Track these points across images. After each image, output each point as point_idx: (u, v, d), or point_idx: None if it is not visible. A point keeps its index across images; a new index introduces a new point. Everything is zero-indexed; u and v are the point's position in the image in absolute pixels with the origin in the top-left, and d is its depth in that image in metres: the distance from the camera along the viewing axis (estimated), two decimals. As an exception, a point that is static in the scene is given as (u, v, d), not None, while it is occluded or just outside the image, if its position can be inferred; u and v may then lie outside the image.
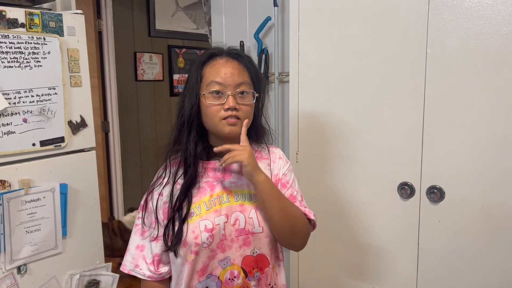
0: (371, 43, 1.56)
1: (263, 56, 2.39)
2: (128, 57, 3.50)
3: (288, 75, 1.89)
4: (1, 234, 1.52)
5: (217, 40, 2.63)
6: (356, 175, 1.65)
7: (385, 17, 1.52)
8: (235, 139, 1.11)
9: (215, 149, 1.09)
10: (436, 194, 1.48)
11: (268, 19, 2.33)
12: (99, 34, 3.33)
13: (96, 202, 1.87)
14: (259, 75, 1.17)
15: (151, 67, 3.61)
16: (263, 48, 2.39)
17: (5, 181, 1.54)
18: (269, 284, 1.13)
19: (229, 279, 1.08)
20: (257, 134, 1.20)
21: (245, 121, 1.09)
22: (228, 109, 1.07)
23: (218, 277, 1.08)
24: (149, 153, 3.64)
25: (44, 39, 1.62)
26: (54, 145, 1.68)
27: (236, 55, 1.13)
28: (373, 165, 1.61)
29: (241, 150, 1.05)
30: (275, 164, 1.19)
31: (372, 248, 1.65)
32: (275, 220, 1.08)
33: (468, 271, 1.47)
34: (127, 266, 1.15)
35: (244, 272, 1.09)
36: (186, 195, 1.10)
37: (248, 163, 1.04)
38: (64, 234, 1.73)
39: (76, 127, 1.76)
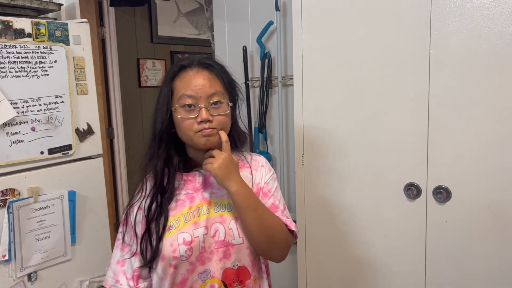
0: (374, 45, 1.57)
1: (266, 60, 2.41)
2: (131, 64, 3.52)
3: (291, 78, 1.90)
4: (12, 242, 1.54)
5: (220, 45, 2.65)
6: (363, 177, 1.66)
7: (388, 19, 1.53)
8: (214, 147, 1.10)
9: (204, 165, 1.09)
10: (442, 194, 1.48)
11: (270, 23, 2.35)
12: (102, 42, 3.35)
13: (104, 209, 1.89)
14: (232, 82, 1.15)
15: (154, 73, 3.63)
16: (266, 52, 2.41)
17: (14, 189, 1.55)
18: None
19: None
20: (236, 141, 1.18)
21: (221, 132, 1.07)
22: (201, 122, 1.05)
23: None
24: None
25: (51, 48, 1.64)
26: (62, 153, 1.69)
27: (207, 64, 1.10)
28: (379, 166, 1.62)
29: (213, 159, 1.05)
30: (257, 172, 1.16)
31: (380, 250, 1.66)
32: (252, 230, 1.06)
33: (476, 270, 1.47)
34: (108, 281, 1.13)
35: (225, 285, 1.07)
36: (161, 209, 1.08)
37: (216, 174, 1.03)
38: (73, 241, 1.75)
39: (83, 134, 1.78)
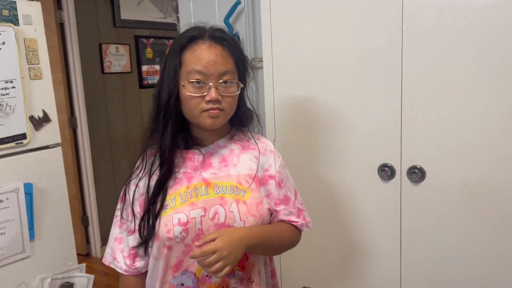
0: (346, 23, 1.51)
1: (234, 42, 2.33)
2: (93, 49, 3.35)
3: (261, 60, 1.83)
4: (-39, 240, 1.42)
5: (186, 27, 2.54)
6: (336, 159, 1.61)
7: (359, -5, 1.47)
8: (218, 129, 1.06)
9: (191, 255, 0.95)
10: (417, 174, 1.45)
11: (237, 3, 2.25)
12: (61, 26, 3.17)
13: (65, 201, 1.78)
14: (245, 60, 1.07)
15: (118, 59, 3.48)
16: (234, 33, 2.32)
17: (-38, 183, 1.43)
18: (249, 279, 1.07)
19: (207, 276, 1.01)
20: (242, 121, 1.13)
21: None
22: (209, 101, 0.99)
23: (194, 273, 1.02)
24: (120, 148, 3.51)
25: (-2, 28, 1.50)
26: (15, 142, 1.57)
27: (220, 38, 1.02)
28: (352, 148, 1.57)
29: (220, 258, 0.92)
30: (265, 157, 1.10)
31: (355, 232, 1.63)
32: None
33: (451, 250, 1.45)
34: (107, 258, 1.11)
35: None
36: (161, 187, 1.03)
37: (234, 259, 0.93)
38: (32, 236, 1.63)
39: (39, 122, 1.65)
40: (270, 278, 1.15)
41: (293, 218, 1.11)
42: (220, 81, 0.99)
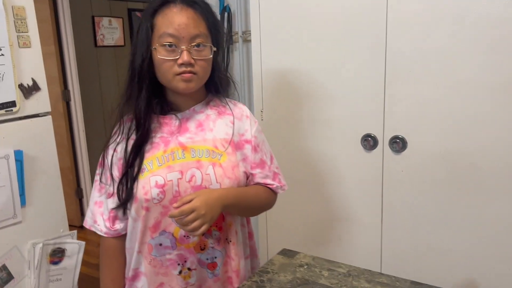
0: (332, -7, 1.52)
1: (226, 14, 2.32)
2: (86, 22, 3.34)
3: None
4: (-47, 204, 1.45)
5: (177, -1, 2.53)
6: (321, 130, 1.64)
7: (346, -35, 1.48)
8: (192, 94, 1.07)
9: (170, 214, 0.98)
10: (398, 144, 1.49)
11: (228, -25, 2.24)
12: (53, -2, 3.15)
13: (56, 170, 1.80)
14: (217, 24, 1.08)
15: (111, 32, 3.46)
16: (225, 5, 2.31)
17: (-48, 148, 1.45)
18: (226, 239, 1.10)
19: (184, 236, 1.05)
20: (217, 87, 1.13)
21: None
22: (182, 64, 1.00)
23: (172, 233, 1.05)
24: (113, 121, 3.53)
25: (-15, -5, 1.50)
26: (5, 110, 1.59)
27: (192, 2, 1.02)
28: (337, 119, 1.60)
29: (198, 217, 0.94)
30: (241, 122, 1.12)
31: (338, 200, 1.67)
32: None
33: (431, 217, 1.50)
34: (88, 221, 1.14)
35: None
36: (138, 151, 1.06)
37: (211, 217, 0.97)
38: (23, 202, 1.66)
39: (28, 90, 1.67)
40: (248, 239, 1.19)
41: (268, 181, 1.14)
42: (193, 44, 1.00)
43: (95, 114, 3.45)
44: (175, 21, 0.99)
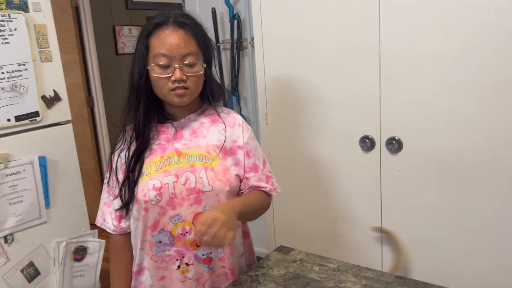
0: (327, 5, 1.59)
1: (235, 21, 2.42)
2: (107, 32, 3.50)
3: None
4: (-15, 206, 1.61)
5: (190, 8, 2.64)
6: (321, 132, 1.72)
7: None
8: (186, 106, 1.17)
9: (195, 234, 1.03)
10: (394, 145, 1.55)
11: (237, -16, 2.34)
12: (76, 10, 3.33)
13: (77, 173, 1.94)
14: (207, 42, 1.17)
15: (131, 40, 3.62)
16: (234, 13, 2.41)
17: (-17, 156, 1.60)
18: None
19: (181, 234, 1.15)
20: (212, 96, 1.23)
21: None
22: (175, 81, 1.09)
23: (170, 232, 1.15)
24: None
25: (9, 16, 1.64)
26: (29, 119, 1.73)
27: (183, 23, 1.11)
28: (336, 121, 1.67)
29: (221, 225, 0.98)
30: (234, 130, 1.21)
31: (340, 200, 1.74)
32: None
33: (428, 215, 1.55)
34: (98, 220, 1.26)
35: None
36: (138, 158, 1.16)
37: (232, 224, 1.01)
38: (47, 204, 1.81)
39: (50, 101, 1.81)
40: (243, 238, 1.28)
41: (262, 184, 1.22)
42: (185, 62, 1.09)
43: (117, 120, 3.60)
44: (168, 42, 1.09)
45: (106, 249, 2.08)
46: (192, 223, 1.15)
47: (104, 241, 2.00)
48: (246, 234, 1.30)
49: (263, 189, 1.23)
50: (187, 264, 1.16)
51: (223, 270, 1.20)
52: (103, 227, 1.25)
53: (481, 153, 1.40)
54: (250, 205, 1.18)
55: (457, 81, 1.41)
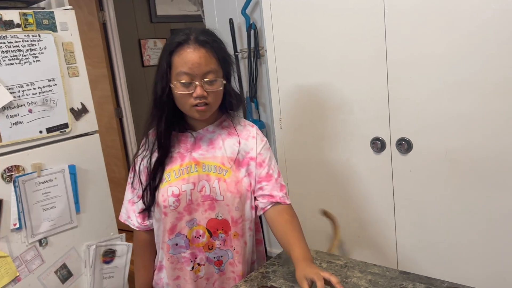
0: (336, 12, 1.65)
1: (252, 31, 2.50)
2: (133, 45, 3.66)
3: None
4: (21, 212, 1.74)
5: (209, 19, 2.75)
6: (333, 134, 1.77)
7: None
8: (207, 119, 1.25)
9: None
10: (403, 145, 1.58)
11: (252, -6, 2.42)
12: (104, 26, 3.50)
13: (105, 180, 2.06)
14: (226, 58, 1.22)
15: (156, 52, 3.76)
16: (250, 23, 2.49)
17: (19, 166, 1.74)
18: (232, 247, 1.25)
19: (195, 237, 1.23)
20: (230, 108, 1.30)
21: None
22: (196, 97, 1.14)
23: (186, 235, 1.23)
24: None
25: (39, 36, 1.79)
26: (59, 131, 1.86)
27: (204, 42, 1.15)
28: (347, 124, 1.72)
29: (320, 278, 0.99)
30: (247, 142, 1.27)
31: (354, 201, 1.78)
32: None
33: (439, 214, 1.57)
34: (122, 216, 1.35)
35: (209, 232, 1.23)
36: (159, 165, 1.24)
37: (318, 269, 1.03)
38: (78, 209, 1.94)
39: (78, 113, 1.94)
40: (255, 246, 1.33)
41: (274, 193, 1.25)
42: (206, 79, 1.16)
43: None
44: (189, 60, 1.14)
45: (134, 252, 2.19)
46: (206, 228, 1.23)
47: (131, 244, 2.11)
48: (259, 242, 1.36)
49: (276, 199, 1.25)
50: (199, 264, 1.24)
51: (232, 275, 1.27)
52: (127, 223, 1.34)
53: (490, 151, 1.42)
54: (303, 236, 1.20)
55: (463, 81, 1.43)
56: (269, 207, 1.24)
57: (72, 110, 1.91)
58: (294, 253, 1.12)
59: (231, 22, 2.56)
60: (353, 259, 1.26)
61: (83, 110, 1.96)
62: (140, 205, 1.30)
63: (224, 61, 1.21)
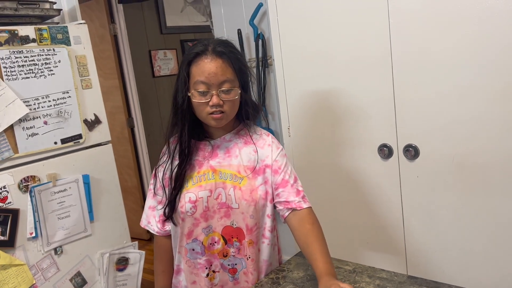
0: (341, 21, 1.68)
1: (260, 41, 2.54)
2: (144, 56, 3.73)
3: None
4: (37, 221, 1.79)
5: (218, 30, 2.80)
6: (341, 142, 1.79)
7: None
8: (224, 126, 1.28)
9: None
10: (410, 152, 1.60)
11: (260, 5, 2.46)
12: (115, 38, 3.57)
13: (118, 189, 2.11)
14: (243, 68, 1.26)
15: (166, 62, 3.83)
16: (258, 33, 2.53)
17: (34, 176, 1.79)
18: (246, 255, 1.28)
19: (210, 243, 1.26)
20: (247, 116, 1.31)
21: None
22: (213, 105, 1.18)
23: (202, 242, 1.27)
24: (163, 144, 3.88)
25: (54, 50, 1.84)
26: (73, 142, 1.92)
27: (221, 52, 1.19)
28: (354, 131, 1.74)
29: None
30: (263, 150, 1.29)
31: (362, 207, 1.79)
32: None
33: (448, 218, 1.58)
34: (143, 221, 1.39)
35: (224, 239, 1.26)
36: (179, 173, 1.28)
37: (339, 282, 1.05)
38: (91, 218, 1.98)
39: (91, 124, 1.99)
40: (278, 255, 1.36)
41: (290, 198, 1.26)
42: (222, 89, 1.20)
43: (156, 138, 3.81)
44: (206, 70, 1.19)
45: (146, 261, 2.23)
46: (221, 235, 1.26)
47: (144, 252, 2.15)
48: (277, 250, 1.39)
49: (291, 205, 1.25)
50: (214, 271, 1.27)
51: (246, 285, 1.29)
52: (147, 228, 1.38)
53: (498, 156, 1.43)
54: (325, 247, 1.21)
55: (469, 86, 1.45)
56: (287, 214, 1.26)
57: (85, 121, 1.96)
58: (317, 269, 1.13)
59: (239, 32, 2.60)
60: (361, 264, 1.27)
61: (96, 121, 2.01)
62: (160, 211, 1.33)
63: (240, 71, 1.24)
